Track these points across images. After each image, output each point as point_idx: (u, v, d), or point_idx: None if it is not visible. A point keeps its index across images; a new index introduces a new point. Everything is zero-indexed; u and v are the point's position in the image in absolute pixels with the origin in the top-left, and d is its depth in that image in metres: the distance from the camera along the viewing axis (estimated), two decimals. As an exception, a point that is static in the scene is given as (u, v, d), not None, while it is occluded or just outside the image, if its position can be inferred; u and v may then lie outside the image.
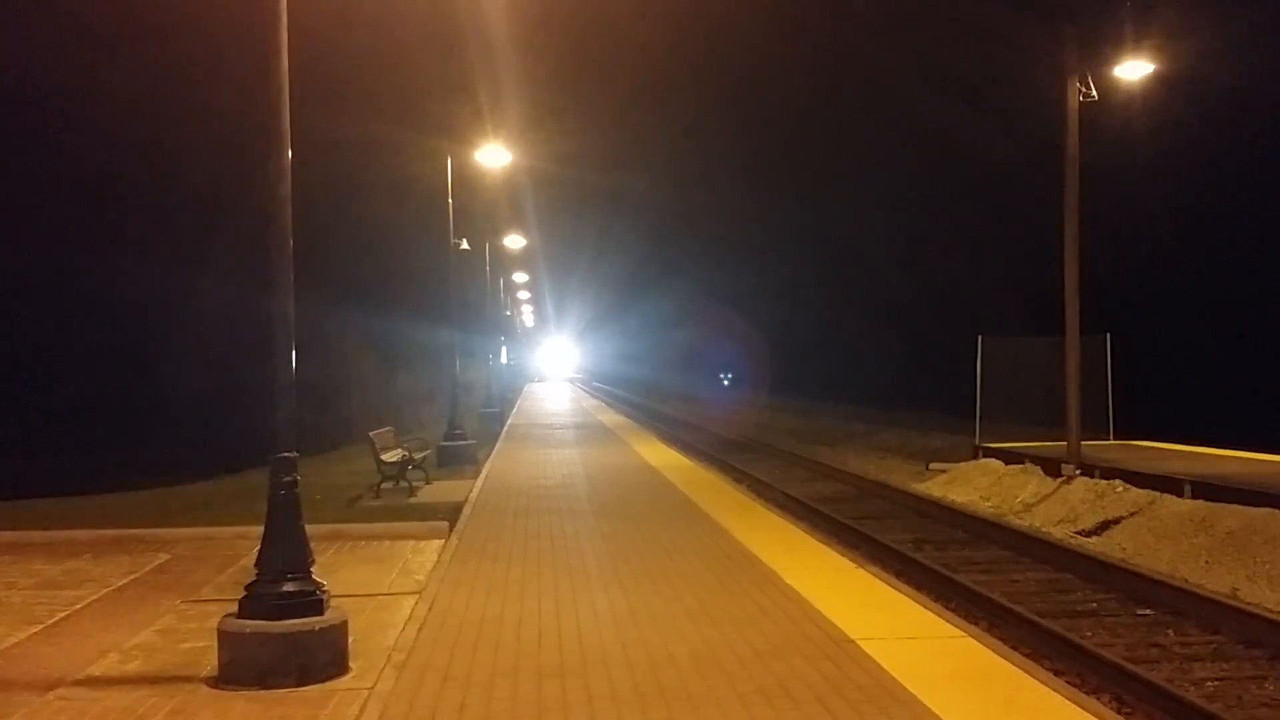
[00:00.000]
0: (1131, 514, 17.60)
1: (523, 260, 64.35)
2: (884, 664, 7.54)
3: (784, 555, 11.59)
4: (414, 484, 18.80)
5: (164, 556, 12.62)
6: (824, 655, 7.79)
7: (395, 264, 35.78)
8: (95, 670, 8.04)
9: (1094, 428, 23.96)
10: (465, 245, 31.08)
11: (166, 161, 20.39)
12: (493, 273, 47.38)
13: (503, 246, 48.70)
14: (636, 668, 7.56)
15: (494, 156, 26.57)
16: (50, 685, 7.62)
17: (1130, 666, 9.92)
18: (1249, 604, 12.46)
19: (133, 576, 11.53)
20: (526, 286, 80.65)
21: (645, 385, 75.13)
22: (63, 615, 9.81)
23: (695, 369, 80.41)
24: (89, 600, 10.41)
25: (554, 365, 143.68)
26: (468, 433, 25.61)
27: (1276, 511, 15.17)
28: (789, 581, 10.26)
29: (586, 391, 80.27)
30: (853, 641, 8.14)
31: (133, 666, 8.15)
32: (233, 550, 12.65)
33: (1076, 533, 17.78)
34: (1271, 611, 12.10)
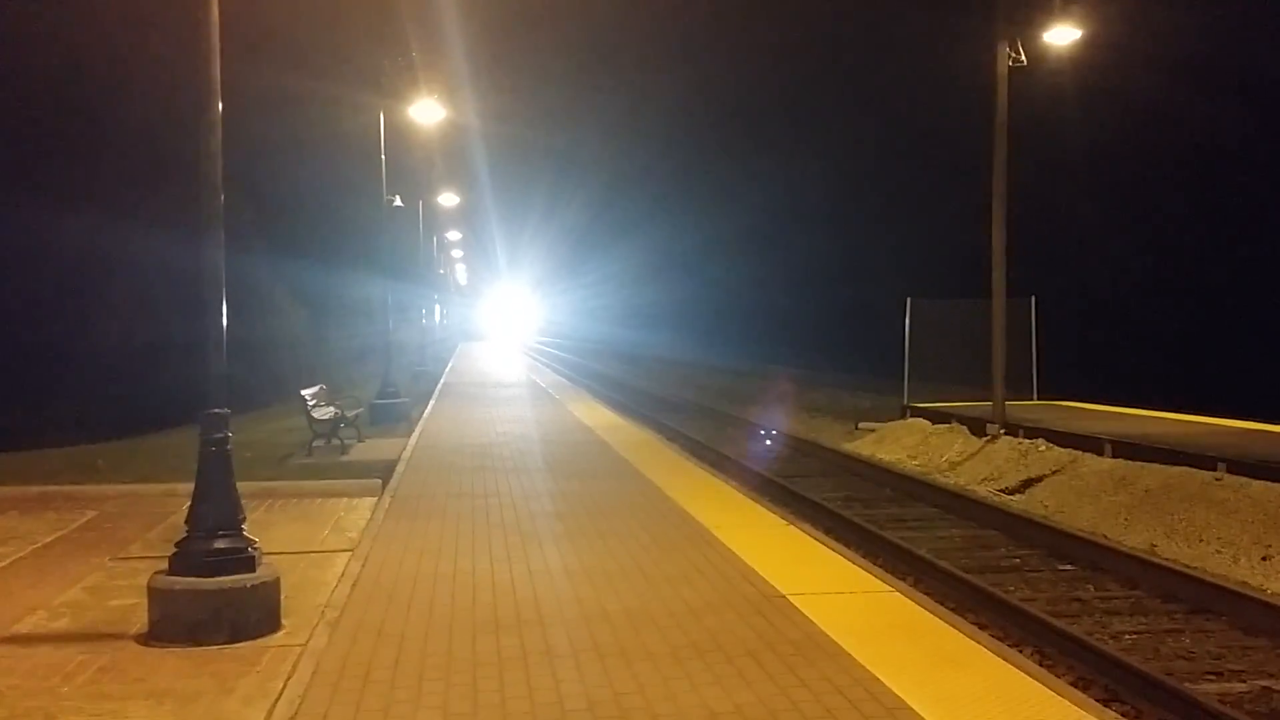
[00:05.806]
0: (1054, 472, 17.99)
1: (467, 216, 63.94)
2: (814, 618, 7.68)
3: (716, 512, 11.71)
4: (346, 442, 18.68)
5: (91, 514, 12.45)
6: (755, 610, 7.92)
7: (328, 221, 35.38)
8: (22, 628, 7.95)
9: (1019, 388, 24.37)
10: (399, 202, 30.79)
11: (101, 109, 19.89)
12: (427, 230, 46.98)
13: (438, 204, 48.28)
14: (571, 623, 7.63)
15: (428, 112, 26.22)
16: (-24, 643, 7.53)
17: (1051, 620, 10.19)
18: (1166, 560, 12.85)
19: (60, 534, 11.37)
20: (463, 244, 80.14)
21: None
22: (-13, 573, 9.67)
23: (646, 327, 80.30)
24: (14, 558, 10.25)
25: (503, 324, 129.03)
26: (401, 391, 25.49)
27: (1194, 470, 15.59)
28: (721, 538, 10.38)
29: (532, 356, 79.46)
30: (783, 596, 8.28)
31: (61, 624, 8.07)
32: (162, 507, 12.50)
33: (1000, 490, 18.14)
34: (1188, 567, 12.49)
